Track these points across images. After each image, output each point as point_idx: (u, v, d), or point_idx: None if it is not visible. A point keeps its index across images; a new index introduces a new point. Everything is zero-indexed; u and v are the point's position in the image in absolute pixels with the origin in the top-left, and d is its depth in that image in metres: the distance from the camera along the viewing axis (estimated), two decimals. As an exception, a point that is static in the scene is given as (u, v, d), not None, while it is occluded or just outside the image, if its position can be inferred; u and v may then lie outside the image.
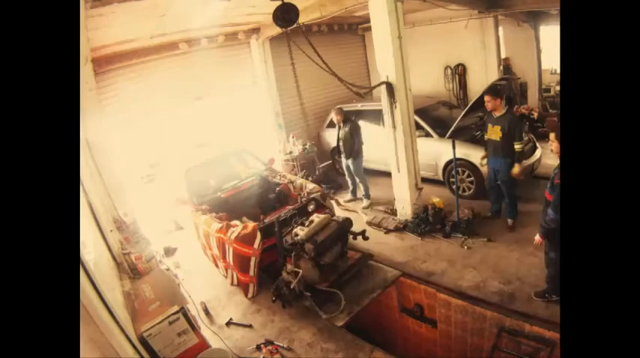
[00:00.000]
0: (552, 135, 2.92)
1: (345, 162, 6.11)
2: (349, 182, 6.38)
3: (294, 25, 3.64)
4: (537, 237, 3.21)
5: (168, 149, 6.09)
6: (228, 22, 6.21)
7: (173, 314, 2.62)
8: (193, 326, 2.76)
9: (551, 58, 8.37)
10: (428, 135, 5.92)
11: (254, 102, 7.44)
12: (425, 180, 5.56)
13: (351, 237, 4.44)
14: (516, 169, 4.37)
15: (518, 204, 4.76)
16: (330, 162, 7.57)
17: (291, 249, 3.91)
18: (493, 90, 4.44)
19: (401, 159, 4.96)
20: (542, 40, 8.10)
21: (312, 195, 4.67)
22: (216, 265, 4.62)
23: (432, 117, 6.18)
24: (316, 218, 4.09)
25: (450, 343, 3.83)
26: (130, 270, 3.29)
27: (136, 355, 2.25)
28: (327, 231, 4.00)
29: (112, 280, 2.98)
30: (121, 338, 2.09)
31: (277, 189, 5.19)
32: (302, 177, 5.79)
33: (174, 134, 6.34)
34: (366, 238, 4.47)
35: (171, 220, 6.19)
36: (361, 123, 6.96)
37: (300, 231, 3.94)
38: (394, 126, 4.85)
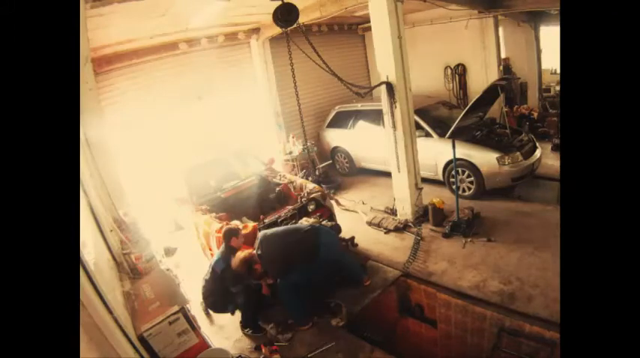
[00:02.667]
0: None
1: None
2: None
3: (294, 25, 3.64)
4: None
5: (168, 149, 6.09)
6: (228, 22, 6.21)
7: (173, 314, 2.62)
8: (193, 326, 2.77)
9: (551, 58, 8.39)
10: (428, 135, 5.92)
11: (254, 102, 7.44)
12: (425, 180, 5.56)
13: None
14: None
15: (519, 203, 4.72)
16: (330, 162, 7.57)
17: None
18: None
19: (401, 159, 4.96)
20: (542, 40, 8.12)
21: (312, 195, 4.67)
22: (216, 265, 4.61)
23: (432, 117, 6.18)
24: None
25: (450, 343, 3.83)
26: (130, 270, 3.29)
27: (136, 355, 2.25)
28: None
29: (112, 280, 2.98)
30: (121, 338, 2.09)
31: (277, 189, 5.19)
32: (302, 177, 5.78)
33: (174, 134, 6.33)
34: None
35: (171, 220, 6.18)
36: (361, 123, 7.01)
37: None
38: (394, 126, 4.85)
